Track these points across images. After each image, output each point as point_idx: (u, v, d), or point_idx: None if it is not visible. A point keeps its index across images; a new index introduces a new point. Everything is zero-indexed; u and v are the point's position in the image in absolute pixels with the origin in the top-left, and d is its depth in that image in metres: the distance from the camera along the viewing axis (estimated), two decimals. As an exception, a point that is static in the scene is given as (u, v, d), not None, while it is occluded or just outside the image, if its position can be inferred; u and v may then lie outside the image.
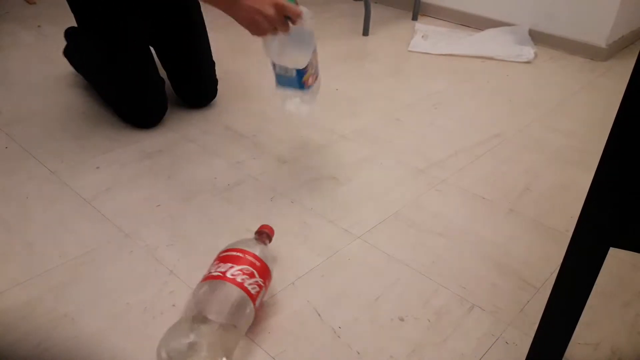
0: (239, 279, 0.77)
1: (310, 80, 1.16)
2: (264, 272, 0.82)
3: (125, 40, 1.31)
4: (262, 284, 0.80)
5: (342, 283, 0.92)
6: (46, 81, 1.58)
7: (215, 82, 1.50)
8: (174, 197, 1.11)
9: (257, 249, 0.84)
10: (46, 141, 1.28)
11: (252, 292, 0.78)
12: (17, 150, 1.24)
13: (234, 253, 0.82)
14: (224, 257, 0.81)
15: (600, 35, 1.98)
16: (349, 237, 1.03)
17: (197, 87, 1.46)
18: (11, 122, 1.36)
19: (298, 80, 1.13)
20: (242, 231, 1.02)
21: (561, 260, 0.61)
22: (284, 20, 1.03)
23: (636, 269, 0.99)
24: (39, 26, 2.03)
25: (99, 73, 1.45)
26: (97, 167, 1.20)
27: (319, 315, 0.85)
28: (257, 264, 0.81)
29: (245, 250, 0.82)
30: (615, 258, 1.00)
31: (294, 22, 1.04)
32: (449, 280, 0.93)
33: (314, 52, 1.16)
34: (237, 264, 0.79)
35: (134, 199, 1.10)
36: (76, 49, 1.56)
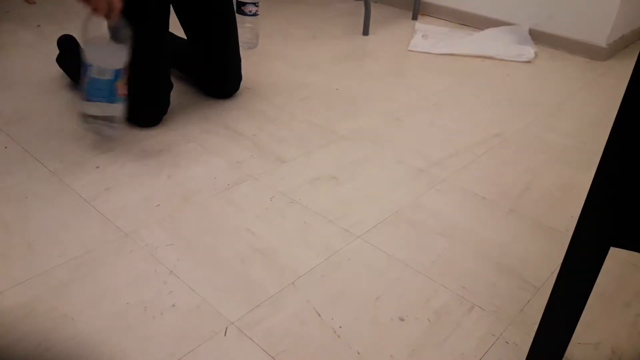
0: None
1: (122, 89, 1.19)
2: None
3: (145, 35, 1.31)
4: None
5: (342, 283, 0.92)
6: (46, 81, 1.58)
7: (240, 76, 1.55)
8: (174, 197, 1.11)
9: None
10: (46, 141, 1.28)
11: None
12: (17, 150, 1.24)
13: None
14: None
15: (600, 34, 1.98)
16: (349, 237, 1.03)
17: (227, 77, 1.51)
18: (11, 122, 1.36)
19: (111, 84, 1.16)
20: (242, 231, 1.02)
21: (561, 260, 0.61)
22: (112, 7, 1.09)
23: (636, 269, 0.99)
24: (38, 26, 2.03)
25: None
26: (97, 167, 1.20)
27: (319, 315, 0.85)
28: None
29: None
30: (615, 258, 1.00)
31: (113, 13, 1.11)
32: (449, 280, 0.93)
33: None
34: None
35: (134, 199, 1.10)
36: (70, 56, 1.56)
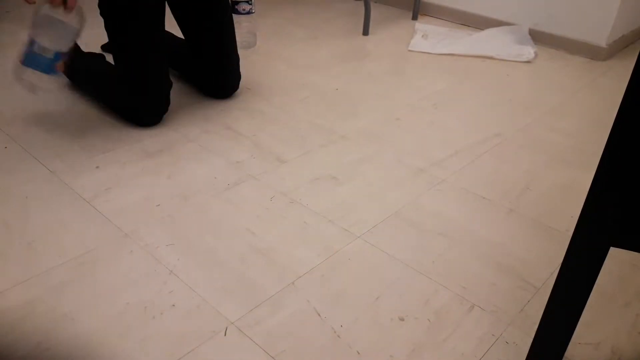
0: None
1: (60, 67, 1.19)
2: None
3: (138, 34, 1.31)
4: None
5: (342, 283, 0.92)
6: (46, 81, 1.58)
7: (239, 74, 1.54)
8: (174, 197, 1.11)
9: None
10: (46, 141, 1.28)
11: None
12: (17, 150, 1.24)
13: None
14: None
15: (600, 34, 1.98)
16: (349, 237, 1.03)
17: (226, 76, 1.51)
18: (11, 122, 1.36)
19: (52, 63, 1.16)
20: (242, 231, 1.02)
21: (561, 260, 0.61)
22: None
23: (636, 269, 0.99)
24: (39, 26, 2.03)
25: (97, 75, 1.46)
26: (97, 167, 1.20)
27: (319, 315, 0.85)
28: None
29: None
30: (615, 258, 1.00)
31: (67, 8, 1.10)
32: (449, 280, 0.93)
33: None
34: None
35: (134, 198, 1.10)
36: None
